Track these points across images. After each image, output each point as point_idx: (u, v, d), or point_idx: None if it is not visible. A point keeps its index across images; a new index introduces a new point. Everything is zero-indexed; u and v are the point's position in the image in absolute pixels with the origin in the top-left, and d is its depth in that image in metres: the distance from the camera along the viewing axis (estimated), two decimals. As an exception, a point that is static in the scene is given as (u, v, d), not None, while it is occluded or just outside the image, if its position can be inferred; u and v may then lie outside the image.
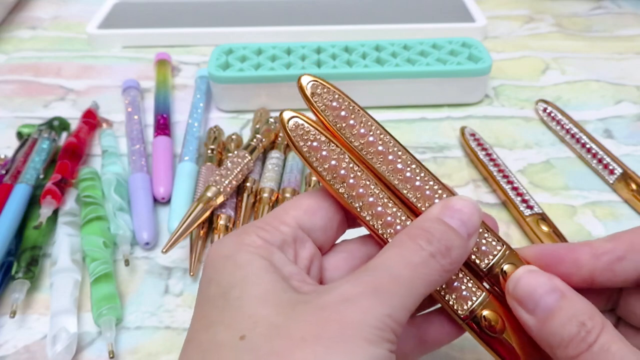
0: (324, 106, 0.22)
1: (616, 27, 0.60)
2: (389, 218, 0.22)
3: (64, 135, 0.43)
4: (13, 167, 0.38)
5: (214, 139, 0.41)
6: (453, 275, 0.22)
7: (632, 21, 0.61)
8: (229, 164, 0.36)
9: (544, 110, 0.45)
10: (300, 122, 0.22)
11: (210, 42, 0.55)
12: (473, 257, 0.22)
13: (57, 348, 0.27)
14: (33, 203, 0.35)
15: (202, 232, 0.34)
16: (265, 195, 0.36)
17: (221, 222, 0.34)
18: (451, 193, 0.23)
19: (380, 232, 0.22)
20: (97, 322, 0.29)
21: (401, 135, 0.43)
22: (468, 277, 0.22)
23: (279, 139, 0.41)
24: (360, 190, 0.22)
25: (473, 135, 0.42)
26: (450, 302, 0.22)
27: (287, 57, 0.47)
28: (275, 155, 0.39)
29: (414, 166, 0.23)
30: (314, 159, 0.22)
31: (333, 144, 0.22)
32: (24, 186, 0.36)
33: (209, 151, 0.40)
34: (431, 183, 0.23)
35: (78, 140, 0.40)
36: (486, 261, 0.22)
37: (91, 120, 0.44)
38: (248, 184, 0.37)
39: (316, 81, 0.23)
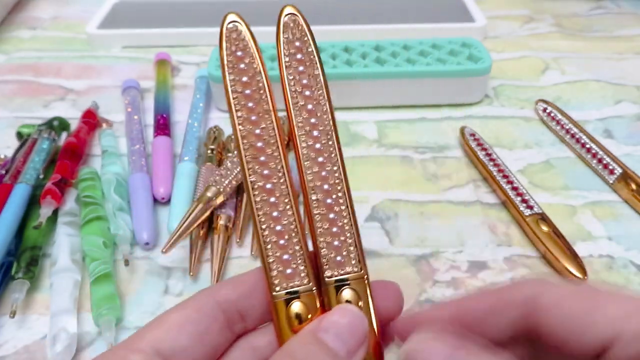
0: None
1: (616, 27, 0.60)
2: (262, 158, 0.20)
3: (64, 135, 0.43)
4: (13, 167, 0.38)
5: (214, 139, 0.41)
6: (289, 249, 0.19)
7: (632, 21, 0.61)
8: (229, 164, 0.36)
9: (544, 110, 0.45)
10: (242, 29, 0.20)
11: (210, 42, 0.55)
12: (324, 259, 0.20)
13: (57, 348, 0.27)
14: (33, 203, 0.35)
15: (202, 232, 0.34)
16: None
17: (221, 222, 0.34)
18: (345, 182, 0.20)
19: (249, 167, 0.20)
20: (97, 322, 0.29)
21: (401, 135, 0.44)
22: (303, 260, 0.20)
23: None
24: (253, 117, 0.20)
25: (473, 135, 0.42)
26: (273, 274, 0.19)
27: (287, 57, 0.47)
28: (275, 155, 0.39)
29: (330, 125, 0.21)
30: (232, 67, 0.20)
31: (257, 64, 0.20)
32: (23, 186, 0.36)
33: (209, 151, 0.40)
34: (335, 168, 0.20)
35: (78, 140, 0.40)
36: (331, 273, 0.20)
37: (91, 120, 0.44)
38: (248, 184, 0.37)
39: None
